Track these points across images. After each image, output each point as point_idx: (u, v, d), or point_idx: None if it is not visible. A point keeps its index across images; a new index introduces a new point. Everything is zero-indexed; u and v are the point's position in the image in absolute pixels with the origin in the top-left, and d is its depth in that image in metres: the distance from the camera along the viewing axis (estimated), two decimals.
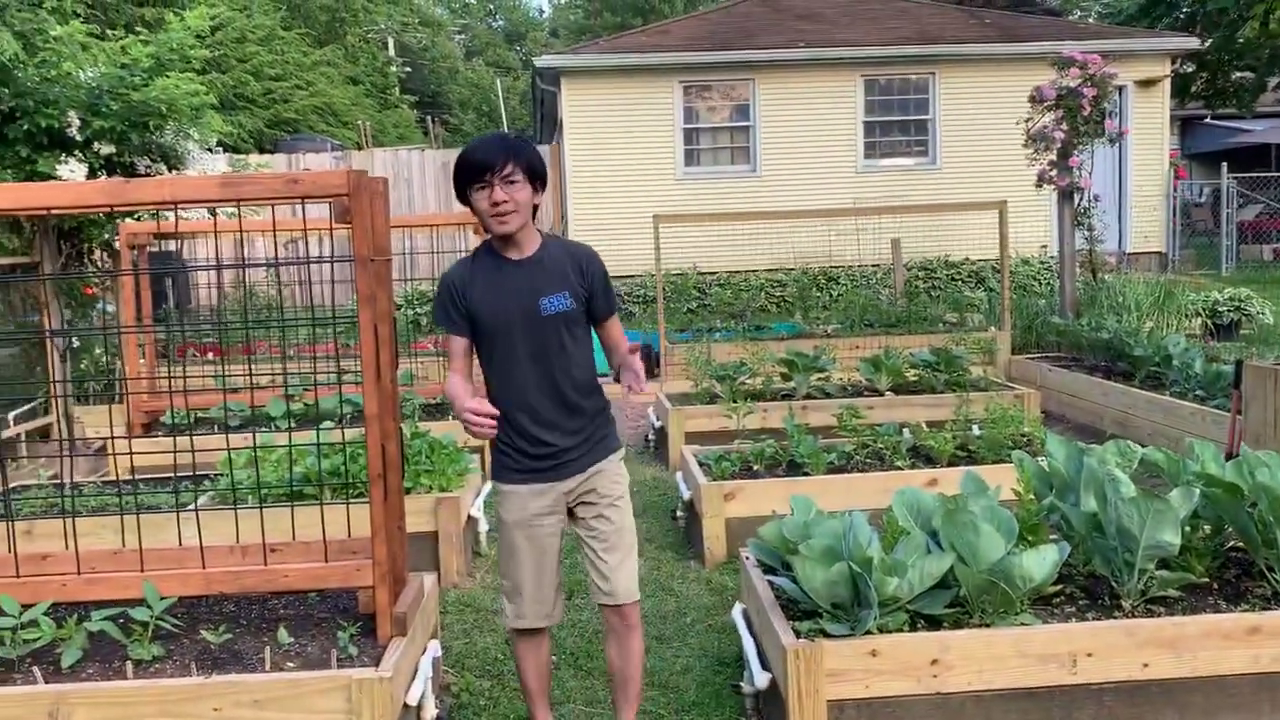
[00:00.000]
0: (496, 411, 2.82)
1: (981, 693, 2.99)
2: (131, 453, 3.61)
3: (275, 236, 3.34)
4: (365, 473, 3.17)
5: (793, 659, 2.92)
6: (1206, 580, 3.36)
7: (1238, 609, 3.19)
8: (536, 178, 2.92)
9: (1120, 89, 14.59)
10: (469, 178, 2.88)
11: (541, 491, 3.02)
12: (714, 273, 14.79)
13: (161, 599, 3.17)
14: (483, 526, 5.32)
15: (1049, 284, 14.32)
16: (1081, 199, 10.13)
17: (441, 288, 3.01)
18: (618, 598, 3.06)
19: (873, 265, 14.50)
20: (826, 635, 3.03)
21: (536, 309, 2.93)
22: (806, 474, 5.14)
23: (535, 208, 2.97)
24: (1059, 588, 3.31)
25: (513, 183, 2.86)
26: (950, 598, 3.13)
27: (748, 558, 3.70)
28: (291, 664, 3.07)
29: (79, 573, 3.32)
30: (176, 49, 7.03)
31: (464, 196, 2.93)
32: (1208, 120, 24.19)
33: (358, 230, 3.04)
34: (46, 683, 2.96)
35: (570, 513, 3.11)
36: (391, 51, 35.54)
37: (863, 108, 15.49)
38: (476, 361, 3.08)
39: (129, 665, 3.03)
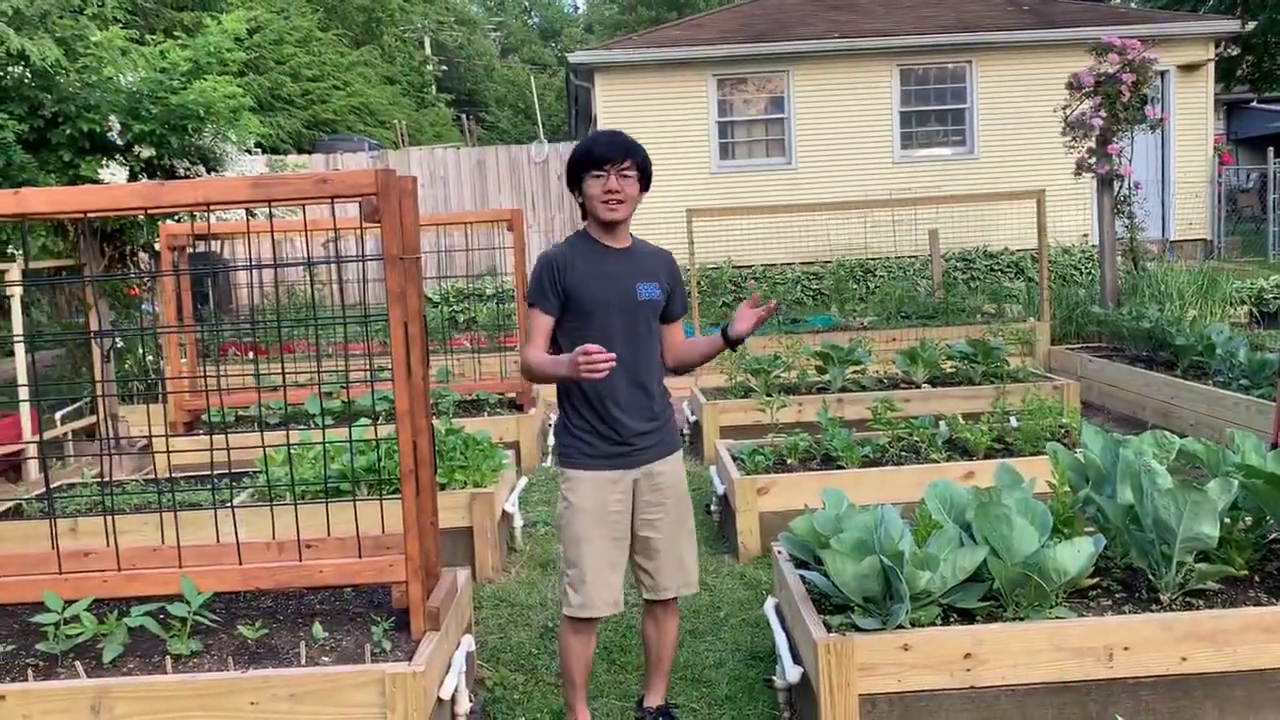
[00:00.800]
0: (604, 351, 2.81)
1: (1016, 687, 2.96)
2: (169, 451, 3.66)
3: (307, 236, 3.38)
4: (399, 469, 3.20)
5: (824, 653, 2.91)
6: (1247, 573, 3.30)
7: (1279, 602, 3.13)
8: (645, 178, 3.13)
9: (1162, 74, 14.36)
10: (589, 166, 3.07)
11: (616, 479, 3.12)
12: (749, 266, 14.75)
13: (199, 594, 3.22)
14: (518, 522, 5.35)
15: (1090, 273, 14.12)
16: (1122, 186, 9.98)
17: (541, 266, 3.12)
18: (693, 587, 3.30)
19: (910, 257, 14.37)
20: (858, 629, 3.02)
21: (634, 294, 3.12)
22: (841, 467, 5.11)
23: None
24: (1095, 581, 3.27)
25: (627, 176, 3.08)
26: (983, 591, 3.11)
27: (779, 552, 3.69)
28: (326, 658, 3.11)
29: (119, 569, 3.38)
30: (214, 52, 7.12)
31: (574, 183, 3.13)
32: (1254, 104, 23.72)
33: (387, 229, 3.07)
34: (89, 677, 3.02)
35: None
36: (428, 50, 35.75)
37: (899, 98, 15.36)
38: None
39: (168, 660, 3.08)
